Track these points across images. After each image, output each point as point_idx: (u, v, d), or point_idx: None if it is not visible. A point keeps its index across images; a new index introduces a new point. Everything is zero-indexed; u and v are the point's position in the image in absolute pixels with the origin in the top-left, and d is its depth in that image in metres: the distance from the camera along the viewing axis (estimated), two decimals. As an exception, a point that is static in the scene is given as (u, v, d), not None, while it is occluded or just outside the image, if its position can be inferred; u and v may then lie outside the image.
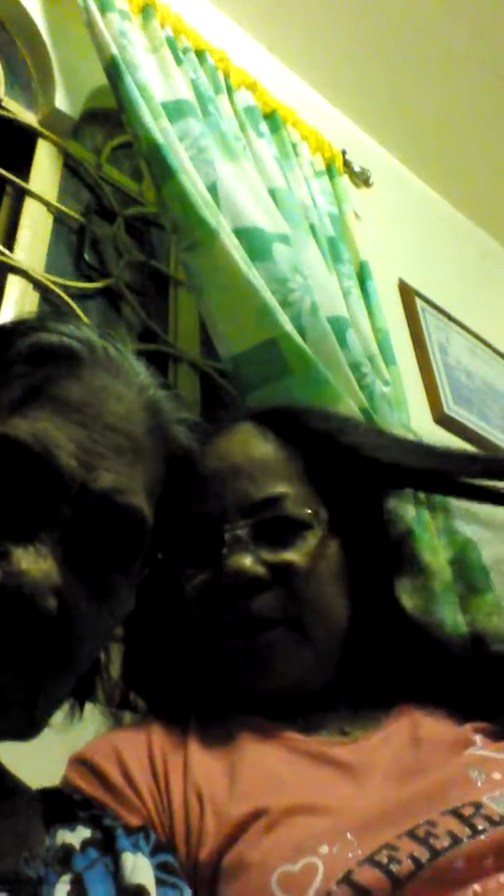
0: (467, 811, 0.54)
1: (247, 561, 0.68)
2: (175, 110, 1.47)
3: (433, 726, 0.67)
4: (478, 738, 0.64)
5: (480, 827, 0.53)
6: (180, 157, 1.37)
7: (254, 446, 0.74)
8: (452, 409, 1.90)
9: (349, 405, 1.24)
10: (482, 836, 0.52)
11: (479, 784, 0.57)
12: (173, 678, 0.74)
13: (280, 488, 0.71)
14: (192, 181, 1.34)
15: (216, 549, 0.69)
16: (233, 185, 1.40)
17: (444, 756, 0.62)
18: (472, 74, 2.39)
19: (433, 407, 1.87)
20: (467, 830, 0.53)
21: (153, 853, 0.51)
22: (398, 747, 0.65)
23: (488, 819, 0.53)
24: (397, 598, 0.75)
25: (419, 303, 2.08)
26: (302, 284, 1.33)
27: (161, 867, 0.50)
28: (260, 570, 0.68)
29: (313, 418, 0.79)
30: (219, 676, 0.71)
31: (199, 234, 1.29)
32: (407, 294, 2.08)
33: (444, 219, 2.64)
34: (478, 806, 0.54)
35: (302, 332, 1.28)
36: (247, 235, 1.33)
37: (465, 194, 2.66)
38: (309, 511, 0.71)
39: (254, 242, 1.33)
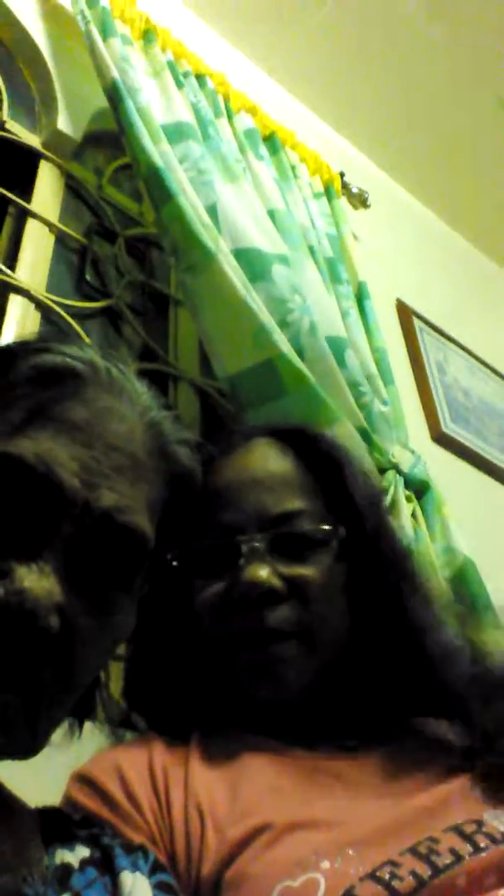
0: (469, 828, 0.54)
1: (264, 573, 0.68)
2: (175, 132, 1.49)
3: (435, 742, 0.67)
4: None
5: (482, 844, 0.53)
6: (179, 180, 1.38)
7: (273, 461, 0.75)
8: (450, 427, 1.91)
9: (345, 425, 1.24)
10: (483, 854, 0.52)
11: (481, 801, 0.57)
12: (175, 694, 0.74)
13: (298, 504, 0.72)
14: (191, 203, 1.36)
15: (232, 560, 0.70)
16: (233, 206, 1.41)
17: (446, 773, 0.62)
18: (471, 97, 2.42)
19: (431, 425, 1.88)
20: (469, 848, 0.53)
21: (152, 872, 0.51)
22: (400, 763, 0.65)
23: (490, 837, 0.54)
24: (398, 614, 0.75)
25: (417, 323, 2.10)
26: (300, 305, 1.34)
27: (159, 886, 0.50)
28: (276, 582, 0.69)
29: (326, 442, 0.80)
30: (224, 688, 0.72)
31: (197, 255, 1.30)
32: (405, 314, 2.09)
33: (441, 240, 2.67)
34: (479, 823, 0.55)
35: (300, 352, 1.30)
36: (246, 256, 1.35)
37: (462, 215, 2.69)
38: (326, 528, 0.72)
39: (253, 263, 1.34)
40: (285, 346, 1.27)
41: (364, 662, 0.73)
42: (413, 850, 0.53)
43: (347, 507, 0.75)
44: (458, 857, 0.52)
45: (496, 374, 2.31)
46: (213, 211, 1.38)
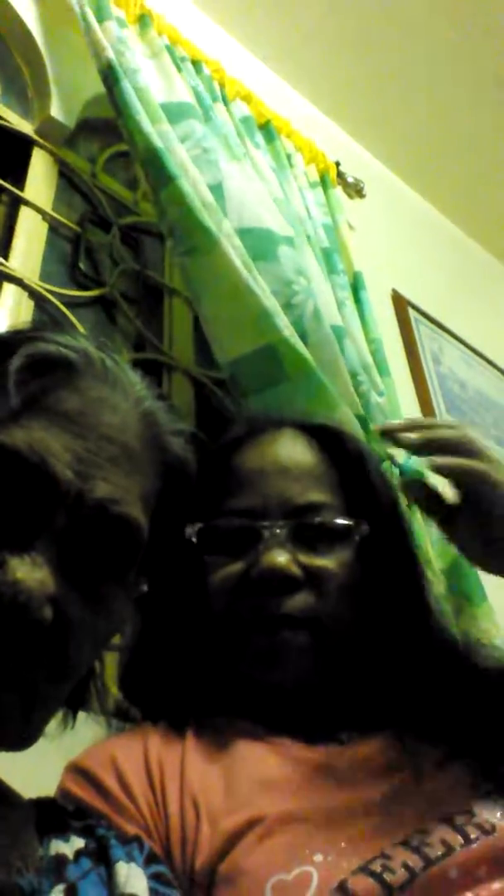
0: (460, 819, 0.55)
1: (284, 559, 0.69)
2: (177, 111, 1.46)
3: (427, 733, 0.67)
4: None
5: (473, 836, 0.53)
6: (180, 160, 1.36)
7: (301, 452, 0.76)
8: (445, 418, 1.91)
9: (346, 412, 1.24)
10: (475, 845, 0.53)
11: (472, 791, 0.57)
12: (172, 682, 0.74)
13: (322, 496, 0.73)
14: (193, 184, 1.33)
15: (252, 544, 0.71)
16: (240, 185, 1.39)
17: (437, 764, 0.62)
18: (466, 86, 2.41)
19: (426, 416, 1.87)
20: (460, 839, 0.53)
21: (147, 863, 0.51)
22: (392, 756, 0.65)
23: (480, 828, 0.54)
24: (417, 613, 0.76)
25: (412, 313, 2.10)
26: (305, 287, 1.32)
27: (155, 877, 0.50)
28: (295, 570, 0.69)
29: (350, 440, 0.81)
30: (224, 673, 0.72)
31: (198, 238, 1.28)
32: (400, 304, 2.09)
33: (437, 230, 2.66)
34: (470, 814, 0.55)
35: (304, 336, 1.28)
36: (253, 235, 1.32)
37: (457, 205, 2.68)
38: (349, 523, 0.73)
39: (260, 242, 1.32)
40: (287, 330, 1.25)
41: (370, 657, 0.73)
42: (404, 843, 0.53)
43: (369, 504, 0.76)
44: (450, 849, 0.52)
45: (491, 365, 2.31)
46: (218, 190, 1.35)
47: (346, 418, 1.22)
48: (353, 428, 1.26)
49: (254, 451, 0.76)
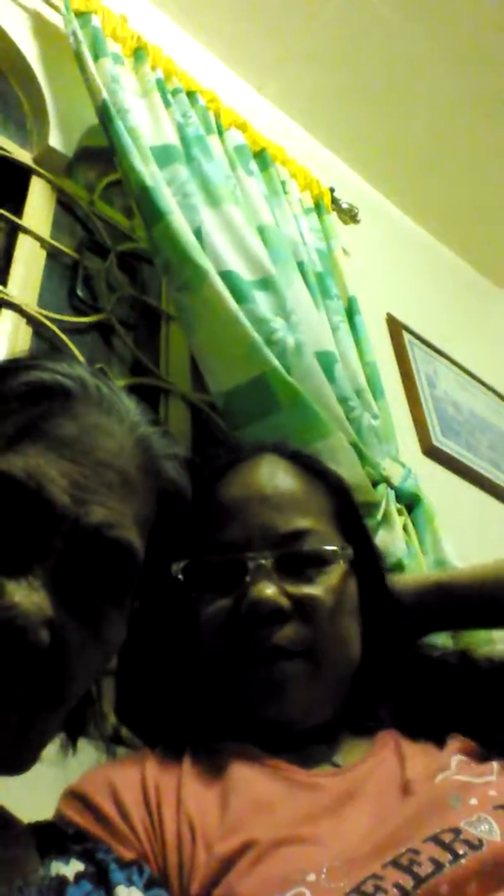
0: (447, 837, 0.55)
1: (271, 591, 0.68)
2: (163, 155, 1.50)
3: (416, 754, 0.67)
4: (455, 761, 0.65)
5: (461, 852, 0.53)
6: (169, 200, 1.39)
7: (281, 478, 0.76)
8: (440, 440, 1.92)
9: (339, 439, 1.25)
10: (463, 861, 0.53)
11: (457, 809, 0.57)
12: (168, 709, 0.74)
13: (306, 523, 0.73)
14: (182, 222, 1.36)
15: (238, 577, 0.70)
16: (213, 232, 1.42)
17: (426, 784, 0.62)
18: (460, 113, 2.45)
19: (421, 439, 1.89)
20: (449, 856, 0.53)
21: (147, 887, 0.51)
22: (383, 777, 0.65)
23: (468, 843, 0.54)
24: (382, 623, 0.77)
25: (407, 336, 2.11)
26: (283, 326, 1.34)
27: (153, 902, 0.50)
28: (283, 601, 0.69)
29: (319, 464, 0.81)
30: (223, 705, 0.72)
31: (189, 274, 1.31)
32: (395, 328, 2.11)
33: (430, 254, 2.69)
34: (457, 832, 0.55)
35: (288, 371, 1.30)
36: (230, 279, 1.35)
37: (451, 230, 2.71)
38: (334, 548, 0.73)
39: (235, 287, 1.34)
40: (275, 361, 1.27)
41: (366, 682, 0.74)
42: (395, 863, 0.53)
43: (356, 525, 0.76)
44: (439, 866, 0.52)
45: (486, 388, 2.33)
46: (198, 235, 1.39)
47: (339, 444, 1.23)
48: (347, 454, 1.27)
49: (235, 481, 0.75)
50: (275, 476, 0.76)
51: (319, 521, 0.74)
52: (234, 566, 0.70)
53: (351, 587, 0.74)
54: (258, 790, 0.64)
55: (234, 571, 0.70)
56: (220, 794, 0.64)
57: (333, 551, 0.72)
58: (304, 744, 0.69)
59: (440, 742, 0.68)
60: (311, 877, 0.54)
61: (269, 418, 1.24)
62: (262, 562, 0.70)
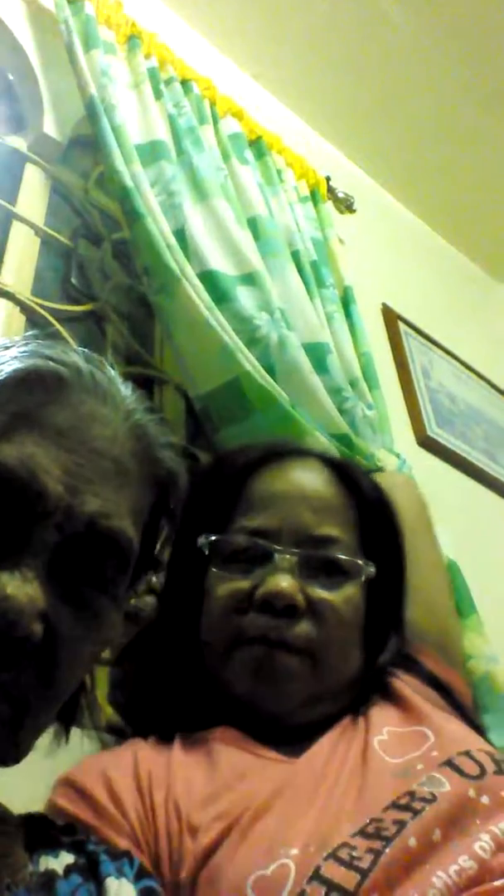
0: (404, 800, 0.59)
1: (290, 585, 0.71)
2: (149, 153, 1.48)
3: (377, 724, 0.71)
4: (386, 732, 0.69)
5: (419, 807, 0.58)
6: (148, 203, 1.37)
7: (323, 484, 0.79)
8: (435, 431, 1.92)
9: (317, 439, 1.25)
10: (423, 814, 0.57)
11: (408, 777, 0.62)
12: (162, 697, 0.75)
13: (337, 532, 0.75)
14: (159, 226, 1.35)
15: (261, 564, 0.72)
16: (199, 230, 1.41)
17: (381, 763, 0.66)
18: (456, 101, 2.43)
19: (416, 430, 1.88)
20: (409, 814, 0.57)
21: (137, 878, 0.51)
22: (346, 754, 0.68)
23: (423, 799, 0.58)
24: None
25: (402, 327, 2.11)
26: (268, 321, 1.34)
27: (144, 892, 0.50)
28: (299, 598, 0.71)
29: (368, 482, 0.84)
30: (215, 684, 0.73)
31: (164, 277, 1.31)
32: (390, 318, 2.10)
33: (427, 244, 2.68)
34: (411, 794, 0.59)
35: (271, 367, 1.30)
36: (212, 278, 1.34)
37: (447, 220, 2.71)
38: (359, 562, 0.75)
39: (217, 286, 1.34)
40: (250, 364, 1.27)
41: (356, 680, 0.75)
42: (362, 832, 0.57)
43: (382, 547, 0.78)
44: (403, 825, 0.57)
45: (481, 379, 2.33)
46: (181, 234, 1.38)
47: (317, 444, 1.23)
48: (327, 451, 1.27)
49: (276, 475, 0.78)
50: (317, 480, 0.79)
51: (348, 533, 0.76)
52: (260, 553, 0.73)
53: (361, 602, 0.76)
54: (242, 762, 0.67)
55: (258, 558, 0.73)
56: (206, 763, 0.66)
57: (357, 565, 0.75)
58: (292, 739, 0.70)
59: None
60: (294, 850, 0.56)
61: (245, 421, 1.25)
62: (288, 556, 0.72)
